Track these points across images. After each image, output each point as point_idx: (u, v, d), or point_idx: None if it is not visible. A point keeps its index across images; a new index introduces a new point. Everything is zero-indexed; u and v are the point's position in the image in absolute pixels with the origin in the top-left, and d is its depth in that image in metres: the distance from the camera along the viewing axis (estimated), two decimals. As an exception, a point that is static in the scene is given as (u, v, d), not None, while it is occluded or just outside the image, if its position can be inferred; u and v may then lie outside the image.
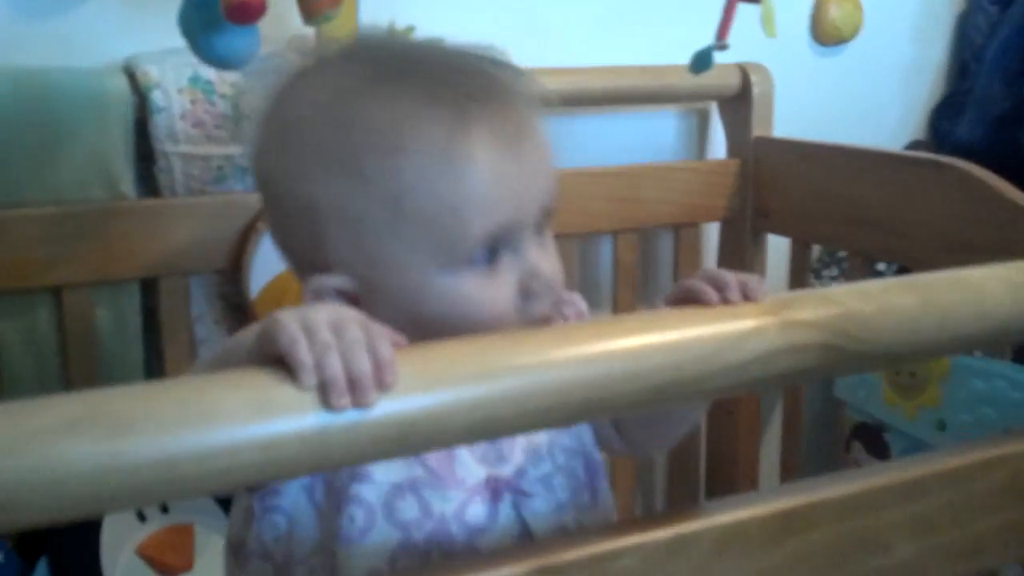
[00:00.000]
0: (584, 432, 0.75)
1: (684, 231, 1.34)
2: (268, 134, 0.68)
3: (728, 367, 0.52)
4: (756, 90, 1.32)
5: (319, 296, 0.65)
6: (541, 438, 0.72)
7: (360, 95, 0.64)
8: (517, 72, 0.69)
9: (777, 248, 1.36)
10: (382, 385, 0.47)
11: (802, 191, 1.28)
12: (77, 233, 1.02)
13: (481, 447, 0.69)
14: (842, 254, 1.40)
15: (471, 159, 0.63)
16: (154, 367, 1.10)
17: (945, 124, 1.56)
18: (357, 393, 0.46)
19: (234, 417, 0.42)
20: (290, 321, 0.48)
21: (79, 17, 1.06)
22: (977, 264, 1.06)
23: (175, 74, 1.04)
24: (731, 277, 0.58)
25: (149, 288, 1.08)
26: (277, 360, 0.47)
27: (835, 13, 1.46)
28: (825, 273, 1.45)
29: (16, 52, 1.02)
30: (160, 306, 1.08)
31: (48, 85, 1.00)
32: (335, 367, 0.46)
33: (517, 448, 0.70)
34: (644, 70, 1.30)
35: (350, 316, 0.50)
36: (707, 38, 1.16)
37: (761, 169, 1.33)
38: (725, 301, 0.56)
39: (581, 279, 1.34)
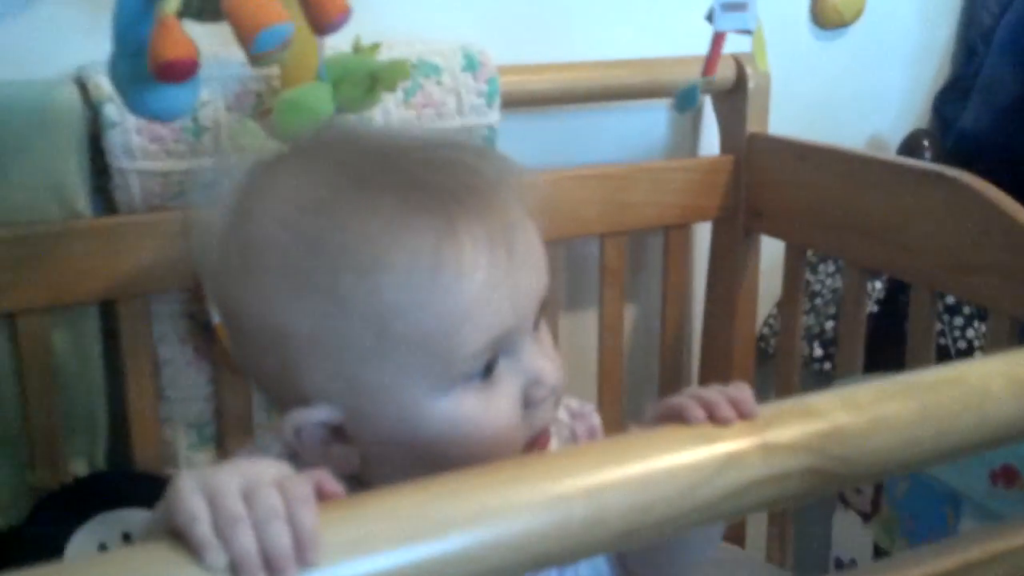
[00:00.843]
0: (600, 560, 0.69)
1: (674, 232, 1.28)
2: (226, 256, 0.61)
3: (703, 504, 0.46)
4: (752, 84, 1.25)
5: (300, 433, 0.59)
6: None
7: (329, 207, 0.57)
8: (499, 159, 0.63)
9: (772, 249, 1.30)
10: (303, 561, 0.41)
11: (798, 193, 1.22)
12: (30, 256, 0.96)
13: None
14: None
15: (461, 270, 0.56)
16: (117, 391, 1.05)
17: (949, 109, 1.49)
18: (274, 573, 0.40)
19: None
20: (191, 490, 0.42)
21: (25, 23, 0.99)
22: (979, 282, 1.02)
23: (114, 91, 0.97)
24: (718, 395, 0.52)
25: (109, 310, 1.03)
26: (181, 535, 0.41)
27: (837, -4, 1.38)
28: (822, 268, 1.39)
29: (-43, 63, 0.96)
30: (121, 329, 1.03)
31: (-7, 99, 0.94)
32: (246, 543, 0.41)
33: None
34: (634, 64, 1.23)
35: (266, 478, 0.44)
36: (697, 28, 1.09)
37: (755, 168, 1.26)
38: (715, 420, 0.51)
39: (567, 283, 1.29)
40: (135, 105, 0.70)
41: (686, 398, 0.53)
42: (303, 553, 0.41)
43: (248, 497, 0.43)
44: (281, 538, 0.41)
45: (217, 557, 0.40)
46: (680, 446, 0.48)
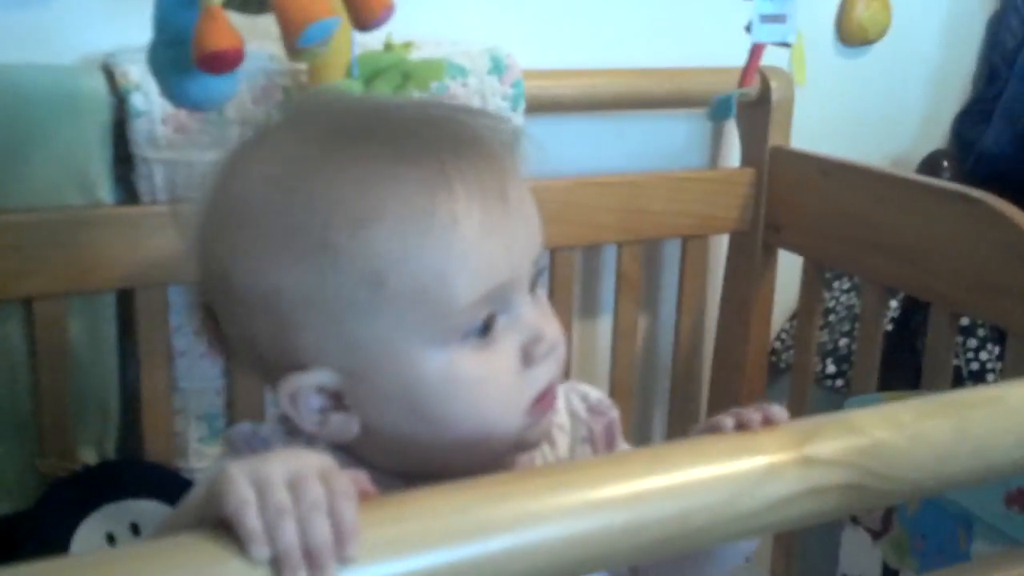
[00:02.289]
0: None
1: (692, 243, 1.28)
2: (214, 219, 0.60)
3: (742, 515, 0.46)
4: (775, 97, 1.25)
5: (296, 400, 0.58)
6: None
7: (320, 162, 0.57)
8: (495, 118, 0.63)
9: (789, 264, 1.30)
10: (342, 555, 0.41)
11: (818, 208, 1.21)
12: (50, 241, 0.96)
13: None
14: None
15: (455, 218, 0.56)
16: (130, 380, 1.05)
17: (970, 131, 1.49)
18: (314, 568, 0.40)
19: (170, 603, 0.37)
20: (240, 478, 0.42)
21: (54, 8, 0.98)
22: (1000, 303, 1.01)
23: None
24: (755, 410, 0.53)
25: (125, 299, 1.02)
26: (226, 524, 0.41)
27: (862, 12, 1.38)
28: (836, 285, 1.39)
29: (-15, 47, 0.96)
30: (137, 318, 1.02)
31: (20, 83, 0.94)
32: (289, 537, 0.40)
33: None
34: (656, 73, 1.23)
35: (311, 467, 0.44)
36: (722, 39, 1.09)
37: (776, 181, 1.26)
38: (741, 427, 0.51)
39: (582, 291, 1.28)
40: (175, 93, 0.70)
41: (724, 415, 0.53)
42: (343, 548, 0.41)
43: (293, 488, 0.43)
44: (323, 532, 0.41)
45: (262, 551, 0.40)
46: (720, 457, 0.48)
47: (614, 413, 0.72)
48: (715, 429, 0.52)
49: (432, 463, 0.59)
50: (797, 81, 0.87)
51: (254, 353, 0.61)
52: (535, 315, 0.61)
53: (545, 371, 0.61)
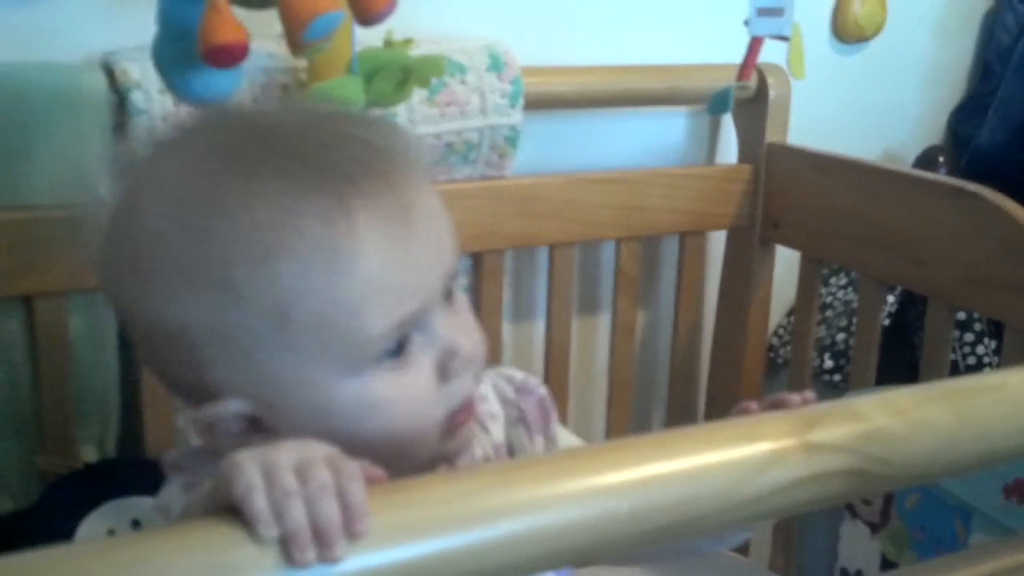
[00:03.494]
0: None
1: (689, 239, 1.29)
2: (113, 255, 0.58)
3: (747, 500, 0.47)
4: (772, 93, 1.25)
5: (213, 428, 0.57)
6: None
7: (216, 194, 0.55)
8: (393, 131, 0.61)
9: (786, 260, 1.31)
10: (351, 535, 0.41)
11: (815, 204, 1.22)
12: (50, 239, 0.96)
13: None
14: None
15: (358, 253, 0.54)
16: (130, 377, 1.05)
17: (965, 127, 1.50)
18: (323, 546, 0.41)
19: (181, 585, 0.37)
20: (249, 464, 0.42)
21: (55, 7, 0.98)
22: (997, 296, 1.02)
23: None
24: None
25: (126, 296, 1.03)
26: (235, 510, 0.41)
27: (858, 10, 1.39)
28: (833, 281, 1.39)
29: (-15, 44, 0.96)
30: (137, 316, 1.02)
31: (19, 81, 0.94)
32: (297, 517, 0.41)
33: None
34: (654, 70, 1.24)
35: (318, 455, 0.44)
36: (721, 36, 1.10)
37: (773, 177, 1.26)
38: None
39: (581, 287, 1.29)
40: (179, 87, 0.70)
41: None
42: (352, 526, 0.41)
43: (301, 472, 0.43)
44: (331, 511, 0.41)
45: (270, 531, 0.41)
46: (725, 443, 0.48)
47: (542, 391, 0.72)
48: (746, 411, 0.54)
49: None
50: (795, 74, 0.88)
51: (166, 381, 0.61)
52: (451, 329, 0.59)
53: (461, 385, 0.60)
